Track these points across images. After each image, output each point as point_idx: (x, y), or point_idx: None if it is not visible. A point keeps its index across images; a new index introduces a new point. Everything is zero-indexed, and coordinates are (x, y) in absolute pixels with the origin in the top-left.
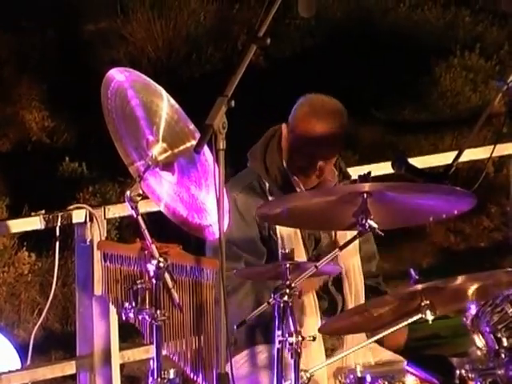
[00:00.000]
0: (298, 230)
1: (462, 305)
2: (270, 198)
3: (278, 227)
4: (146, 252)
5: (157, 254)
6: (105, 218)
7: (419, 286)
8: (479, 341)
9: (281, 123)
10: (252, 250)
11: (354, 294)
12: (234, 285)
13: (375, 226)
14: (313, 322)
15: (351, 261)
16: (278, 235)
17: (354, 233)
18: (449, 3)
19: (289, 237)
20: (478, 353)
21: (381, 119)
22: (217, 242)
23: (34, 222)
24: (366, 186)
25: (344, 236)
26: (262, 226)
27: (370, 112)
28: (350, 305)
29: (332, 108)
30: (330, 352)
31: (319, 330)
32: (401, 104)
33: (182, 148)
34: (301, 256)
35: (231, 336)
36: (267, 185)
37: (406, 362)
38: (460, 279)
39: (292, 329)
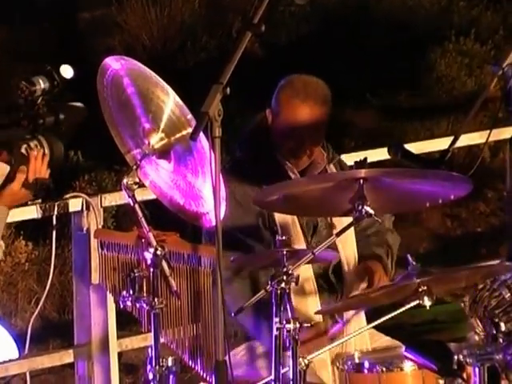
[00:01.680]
0: (296, 218)
1: (457, 286)
2: (265, 187)
3: (276, 216)
4: (143, 240)
5: (154, 242)
6: (101, 207)
7: (419, 280)
8: (477, 326)
9: None
10: (257, 237)
11: (353, 280)
12: (231, 272)
13: (372, 212)
14: (313, 310)
15: (350, 248)
16: (277, 223)
17: (351, 219)
18: None
19: (287, 224)
20: (476, 338)
21: (376, 105)
22: (220, 229)
23: (30, 211)
24: (363, 172)
25: (341, 221)
26: (261, 215)
27: (366, 98)
28: (350, 292)
29: (315, 87)
30: (330, 340)
31: (316, 313)
32: (396, 90)
33: (178, 136)
34: (300, 243)
35: (231, 328)
36: (260, 174)
37: (403, 348)
38: (458, 272)
39: (290, 315)
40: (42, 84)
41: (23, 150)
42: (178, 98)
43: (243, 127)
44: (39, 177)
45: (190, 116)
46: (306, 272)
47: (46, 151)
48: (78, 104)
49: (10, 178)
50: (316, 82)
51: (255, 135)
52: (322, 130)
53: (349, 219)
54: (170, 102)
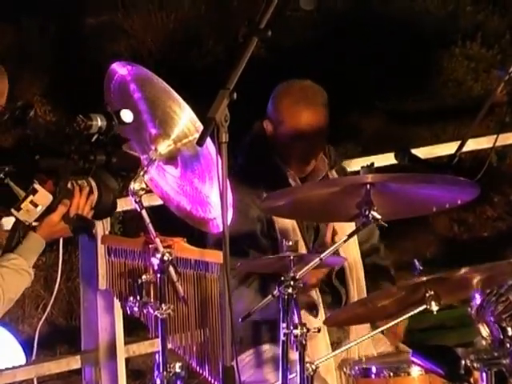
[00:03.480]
0: (295, 223)
1: (466, 294)
2: (265, 194)
3: (276, 222)
4: (150, 246)
5: (161, 248)
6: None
7: (423, 278)
8: (484, 331)
9: None
10: (256, 245)
11: (357, 285)
12: (238, 278)
13: (378, 217)
14: (317, 316)
15: (353, 253)
16: (277, 230)
17: (353, 224)
18: None
19: (287, 230)
20: (483, 343)
21: (383, 110)
22: (220, 235)
23: None
24: (369, 177)
25: (342, 226)
26: (260, 222)
27: (373, 103)
28: (354, 297)
29: (313, 91)
30: (336, 345)
31: (324, 323)
32: (403, 94)
33: (185, 141)
34: (300, 249)
35: (237, 334)
36: (261, 182)
37: (410, 353)
38: (463, 270)
39: (297, 321)
40: (99, 122)
41: (69, 185)
42: (184, 103)
43: (243, 136)
44: (80, 214)
45: (196, 121)
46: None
47: (95, 191)
48: (134, 153)
49: (51, 209)
50: (312, 86)
51: (255, 144)
52: (326, 133)
53: (351, 224)
54: (176, 107)
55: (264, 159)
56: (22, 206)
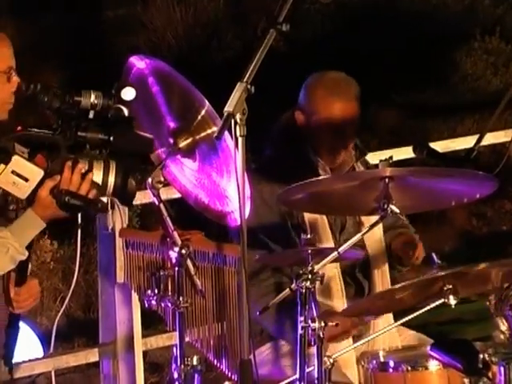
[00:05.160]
0: (325, 216)
1: (484, 288)
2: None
3: (305, 215)
4: (168, 239)
5: (179, 241)
6: (132, 206)
7: (441, 272)
8: (502, 324)
9: None
10: (281, 237)
11: (382, 278)
12: (256, 271)
13: (397, 211)
14: (339, 308)
15: (377, 246)
16: (306, 221)
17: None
18: None
19: (316, 223)
20: (502, 337)
21: (401, 104)
22: (245, 228)
23: None
24: (388, 171)
25: (369, 220)
26: (290, 215)
27: (390, 96)
28: (378, 290)
29: (346, 82)
30: (356, 338)
31: (343, 313)
32: (421, 88)
33: (203, 135)
34: (328, 242)
35: (256, 326)
36: (290, 173)
37: (429, 347)
38: (482, 265)
39: (315, 314)
40: (91, 98)
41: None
42: (203, 97)
43: (273, 126)
44: (69, 190)
45: (215, 115)
46: (332, 270)
47: (97, 172)
48: (145, 134)
49: (40, 185)
50: (346, 78)
51: (285, 134)
52: (357, 124)
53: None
54: (194, 100)
55: (294, 150)
56: None
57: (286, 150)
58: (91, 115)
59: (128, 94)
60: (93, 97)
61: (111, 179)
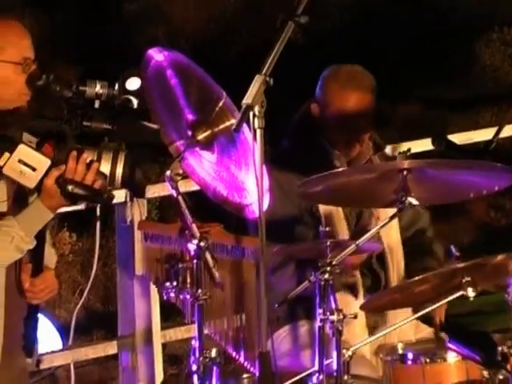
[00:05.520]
0: (340, 208)
1: (503, 280)
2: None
3: (320, 206)
4: (187, 231)
5: (197, 234)
6: (145, 198)
7: (460, 265)
8: None
9: None
10: (297, 229)
11: (396, 270)
12: (275, 263)
13: (415, 203)
14: (357, 300)
15: (393, 237)
16: (322, 214)
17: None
18: None
19: (331, 215)
20: None
21: (420, 96)
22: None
23: None
24: (406, 163)
25: (385, 212)
26: (308, 207)
27: (409, 88)
28: (393, 281)
29: (361, 75)
30: (372, 330)
31: (361, 308)
32: (440, 80)
33: (221, 127)
34: (343, 233)
35: (273, 313)
36: (306, 164)
37: (447, 339)
38: (500, 257)
39: (333, 306)
40: (96, 88)
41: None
42: (221, 90)
43: (290, 118)
44: (74, 179)
45: (233, 107)
46: None
47: (106, 163)
48: (151, 125)
49: (46, 174)
50: (361, 71)
51: (302, 126)
52: (372, 117)
53: (392, 210)
54: (213, 93)
55: (310, 141)
56: (2, 159)
57: (301, 141)
58: (97, 105)
59: (133, 84)
60: (98, 86)
61: (119, 170)
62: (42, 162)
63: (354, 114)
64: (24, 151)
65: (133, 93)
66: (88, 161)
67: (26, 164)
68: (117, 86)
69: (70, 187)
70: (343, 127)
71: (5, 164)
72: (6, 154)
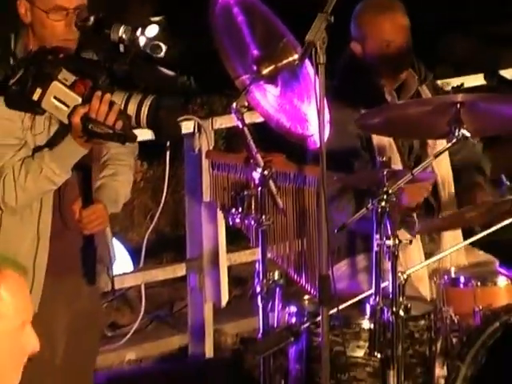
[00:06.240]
0: (392, 140)
1: None
2: (363, 110)
3: (373, 138)
4: (252, 161)
5: (261, 163)
6: (212, 129)
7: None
8: None
9: None
10: (354, 161)
11: (448, 199)
12: (335, 190)
13: (468, 134)
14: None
15: (445, 167)
16: (375, 146)
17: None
18: None
19: (384, 146)
20: None
21: (475, 31)
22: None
23: (145, 133)
24: (459, 97)
25: (435, 142)
26: (360, 138)
27: (466, 24)
28: (445, 210)
29: (388, 1)
30: (428, 256)
31: (417, 233)
32: (496, 16)
33: (284, 62)
34: (397, 164)
35: (334, 244)
36: (359, 99)
37: (498, 263)
38: None
39: (389, 232)
40: (120, 32)
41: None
42: (285, 27)
43: (338, 58)
44: (99, 120)
45: (296, 43)
46: None
47: (132, 105)
48: (168, 72)
49: (72, 112)
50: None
51: (349, 65)
52: (410, 41)
53: (444, 141)
54: (277, 29)
55: (359, 77)
56: (35, 93)
57: (351, 79)
58: (122, 49)
59: (151, 31)
60: (121, 30)
61: (144, 110)
62: (73, 99)
63: (393, 38)
64: (57, 88)
65: (152, 39)
66: (111, 101)
67: (59, 100)
68: (139, 32)
69: (90, 125)
70: (386, 54)
71: (40, 99)
72: (38, 90)
